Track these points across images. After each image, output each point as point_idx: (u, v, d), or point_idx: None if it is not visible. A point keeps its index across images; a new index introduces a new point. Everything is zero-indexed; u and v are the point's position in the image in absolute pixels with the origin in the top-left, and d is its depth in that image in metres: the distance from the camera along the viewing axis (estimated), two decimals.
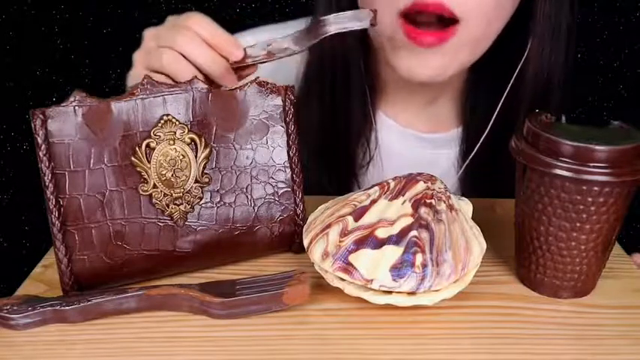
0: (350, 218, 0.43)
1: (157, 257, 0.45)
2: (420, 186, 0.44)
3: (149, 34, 0.51)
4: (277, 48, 0.51)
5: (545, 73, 0.64)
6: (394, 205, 0.43)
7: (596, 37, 0.98)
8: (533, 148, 0.43)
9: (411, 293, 0.42)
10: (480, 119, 0.69)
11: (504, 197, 0.58)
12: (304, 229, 0.46)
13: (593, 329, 0.43)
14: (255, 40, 0.51)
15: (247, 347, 0.40)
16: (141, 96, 0.44)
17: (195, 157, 0.46)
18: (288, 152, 0.49)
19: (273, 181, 0.48)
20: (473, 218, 0.47)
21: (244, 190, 0.48)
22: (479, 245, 0.44)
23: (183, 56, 0.48)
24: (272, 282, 0.43)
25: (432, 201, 0.43)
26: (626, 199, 0.43)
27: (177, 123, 0.45)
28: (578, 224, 0.43)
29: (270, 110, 0.48)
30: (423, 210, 0.43)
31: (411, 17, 0.56)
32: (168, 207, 0.45)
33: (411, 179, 0.45)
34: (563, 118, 0.46)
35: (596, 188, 0.41)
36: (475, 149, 0.69)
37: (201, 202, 0.46)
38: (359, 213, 0.43)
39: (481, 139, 0.68)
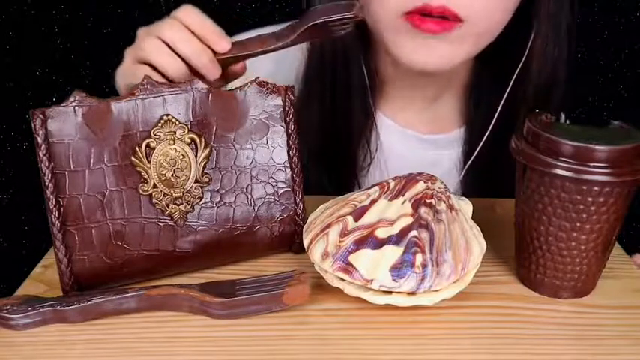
0: (350, 218, 0.43)
1: (157, 257, 0.45)
2: (420, 186, 0.44)
3: (142, 30, 0.52)
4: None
5: (549, 68, 0.65)
6: (394, 205, 0.43)
7: (596, 37, 0.98)
8: (533, 148, 0.43)
9: (411, 293, 0.42)
10: (484, 117, 0.68)
11: (505, 197, 0.58)
12: (304, 229, 0.46)
13: (593, 329, 0.43)
14: None
15: (247, 347, 0.40)
16: (141, 96, 0.44)
17: (195, 157, 0.46)
18: (288, 152, 0.49)
19: (273, 181, 0.48)
20: (473, 218, 0.47)
21: (244, 190, 0.48)
22: (479, 245, 0.44)
23: (169, 46, 0.48)
24: (272, 282, 0.43)
25: (432, 201, 0.43)
26: (626, 199, 0.43)
27: (177, 123, 0.45)
28: (578, 224, 0.43)
29: (270, 110, 0.48)
30: (423, 210, 0.43)
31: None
32: (168, 207, 0.45)
33: (411, 179, 0.45)
34: (563, 117, 0.46)
35: (596, 188, 0.41)
36: (478, 149, 0.69)
37: (201, 202, 0.46)
38: (359, 213, 0.43)
39: (484, 138, 0.68)
